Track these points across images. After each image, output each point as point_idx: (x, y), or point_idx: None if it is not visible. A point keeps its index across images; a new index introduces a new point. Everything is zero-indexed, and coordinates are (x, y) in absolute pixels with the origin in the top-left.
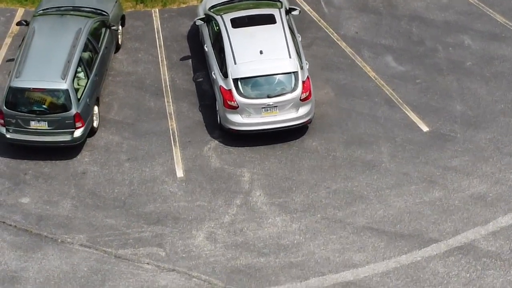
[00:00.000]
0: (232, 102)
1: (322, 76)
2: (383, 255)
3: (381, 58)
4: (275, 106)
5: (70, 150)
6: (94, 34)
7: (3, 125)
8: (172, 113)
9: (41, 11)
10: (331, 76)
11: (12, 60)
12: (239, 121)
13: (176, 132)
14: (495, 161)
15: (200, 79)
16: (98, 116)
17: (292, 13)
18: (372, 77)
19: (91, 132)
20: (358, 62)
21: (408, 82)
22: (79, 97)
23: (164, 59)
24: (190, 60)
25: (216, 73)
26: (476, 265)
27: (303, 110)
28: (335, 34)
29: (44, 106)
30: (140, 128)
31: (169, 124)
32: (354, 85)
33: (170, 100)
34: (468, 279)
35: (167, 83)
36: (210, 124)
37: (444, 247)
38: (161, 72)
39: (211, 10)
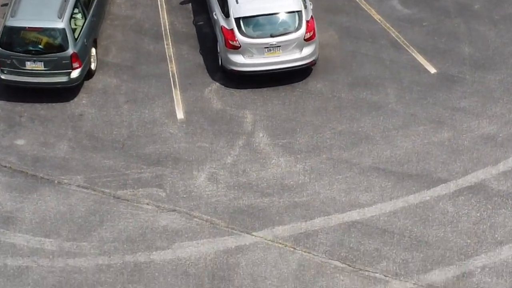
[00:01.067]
0: (234, 42)
1: (326, 18)
2: (390, 195)
3: (386, 1)
4: (278, 46)
5: (67, 92)
6: None
7: None
8: (172, 56)
9: None
10: (335, 19)
11: (6, 4)
12: (241, 61)
13: (176, 74)
14: (505, 102)
15: (201, 23)
16: (95, 59)
17: None
18: (377, 20)
19: (88, 74)
20: (362, 5)
21: (414, 24)
22: (76, 37)
23: (164, 3)
24: (190, 4)
25: (218, 13)
26: (486, 205)
27: (307, 50)
28: None
29: (40, 46)
30: (139, 71)
31: (169, 67)
32: (359, 27)
33: (170, 44)
34: (479, 218)
35: (167, 26)
36: (211, 67)
37: (453, 187)
38: (161, 16)
39: None
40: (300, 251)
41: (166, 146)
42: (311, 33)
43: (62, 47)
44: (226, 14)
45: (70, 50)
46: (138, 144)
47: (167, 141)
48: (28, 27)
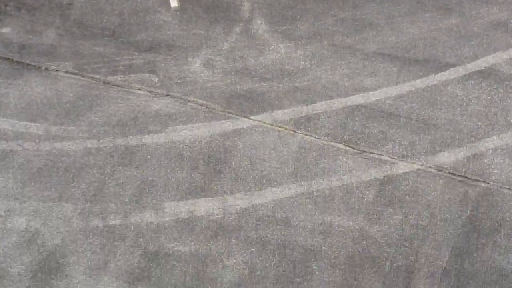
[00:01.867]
0: None
1: None
2: (396, 79)
3: None
4: None
5: None
6: None
7: None
8: None
9: None
10: None
11: None
12: None
13: None
14: None
15: None
16: None
17: None
18: None
19: None
20: None
21: None
22: None
23: None
24: None
25: None
26: (498, 88)
27: None
28: None
29: None
30: None
31: None
32: None
33: None
34: (490, 101)
35: None
36: None
37: (462, 71)
38: None
39: None
40: (300, 134)
41: (159, 33)
42: None
43: None
44: None
45: None
46: (129, 31)
47: (160, 28)
48: None
